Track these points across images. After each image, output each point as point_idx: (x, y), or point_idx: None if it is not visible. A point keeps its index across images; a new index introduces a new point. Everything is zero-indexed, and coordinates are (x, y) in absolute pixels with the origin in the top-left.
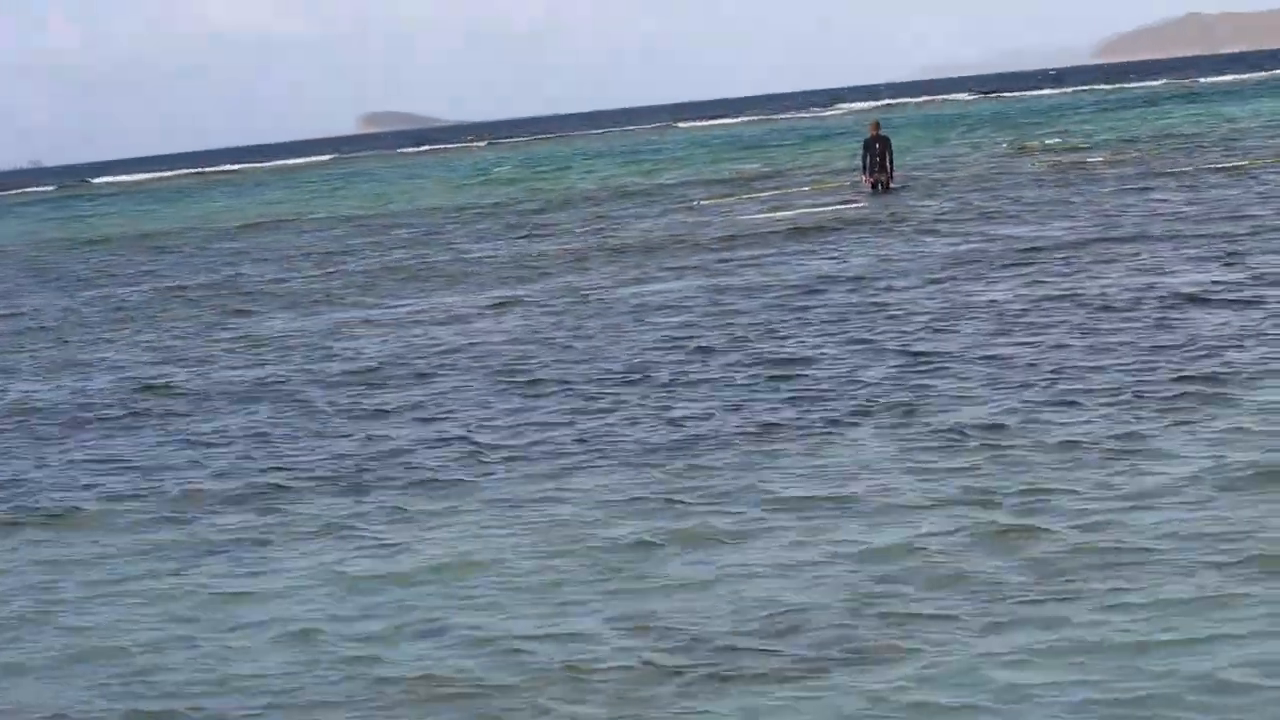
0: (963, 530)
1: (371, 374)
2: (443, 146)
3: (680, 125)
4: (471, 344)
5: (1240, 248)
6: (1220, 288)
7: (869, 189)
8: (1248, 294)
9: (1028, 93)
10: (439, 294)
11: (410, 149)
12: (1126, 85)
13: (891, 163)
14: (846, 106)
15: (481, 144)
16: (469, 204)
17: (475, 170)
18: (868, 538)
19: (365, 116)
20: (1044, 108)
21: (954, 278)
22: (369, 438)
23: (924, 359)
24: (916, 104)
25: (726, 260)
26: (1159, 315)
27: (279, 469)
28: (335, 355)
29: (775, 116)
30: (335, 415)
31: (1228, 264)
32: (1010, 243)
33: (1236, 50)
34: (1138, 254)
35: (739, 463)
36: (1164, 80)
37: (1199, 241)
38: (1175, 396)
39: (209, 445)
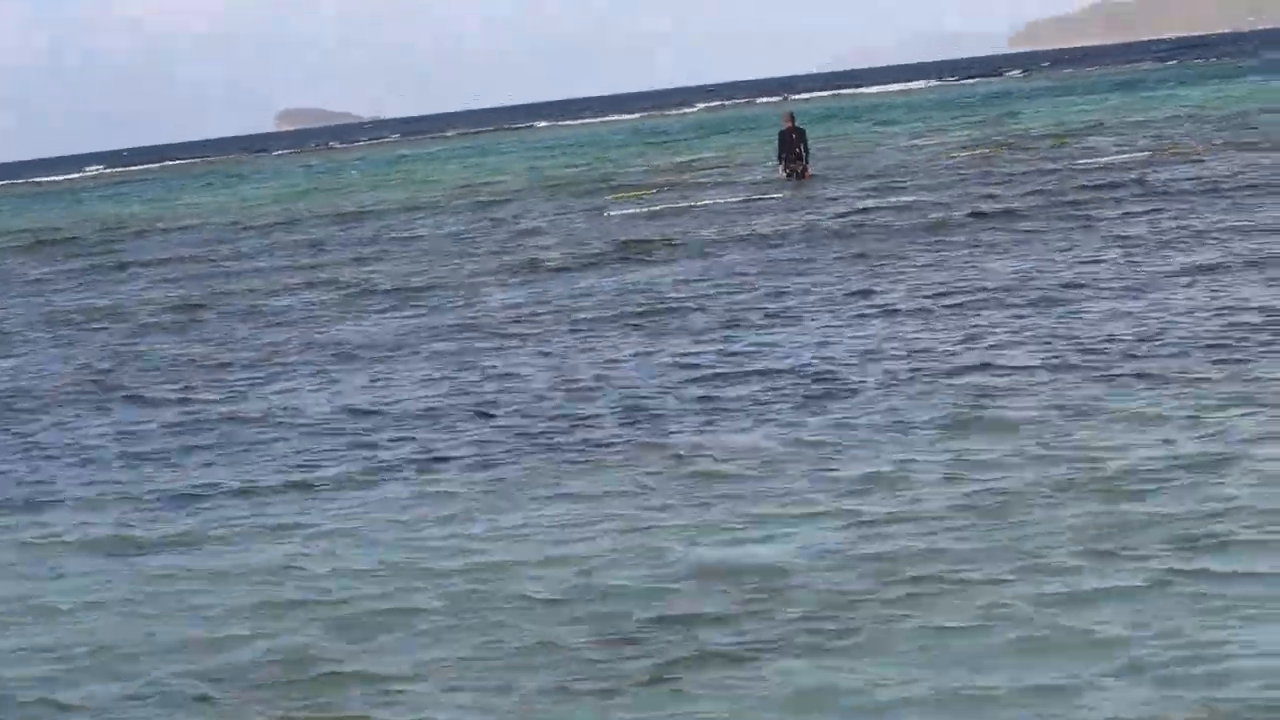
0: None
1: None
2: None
3: (587, 120)
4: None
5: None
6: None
7: (785, 179)
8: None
9: (942, 82)
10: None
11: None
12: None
13: (807, 153)
14: (762, 100)
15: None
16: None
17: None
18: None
19: (282, 114)
20: (960, 97)
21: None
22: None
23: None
24: (833, 95)
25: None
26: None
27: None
28: None
29: (680, 111)
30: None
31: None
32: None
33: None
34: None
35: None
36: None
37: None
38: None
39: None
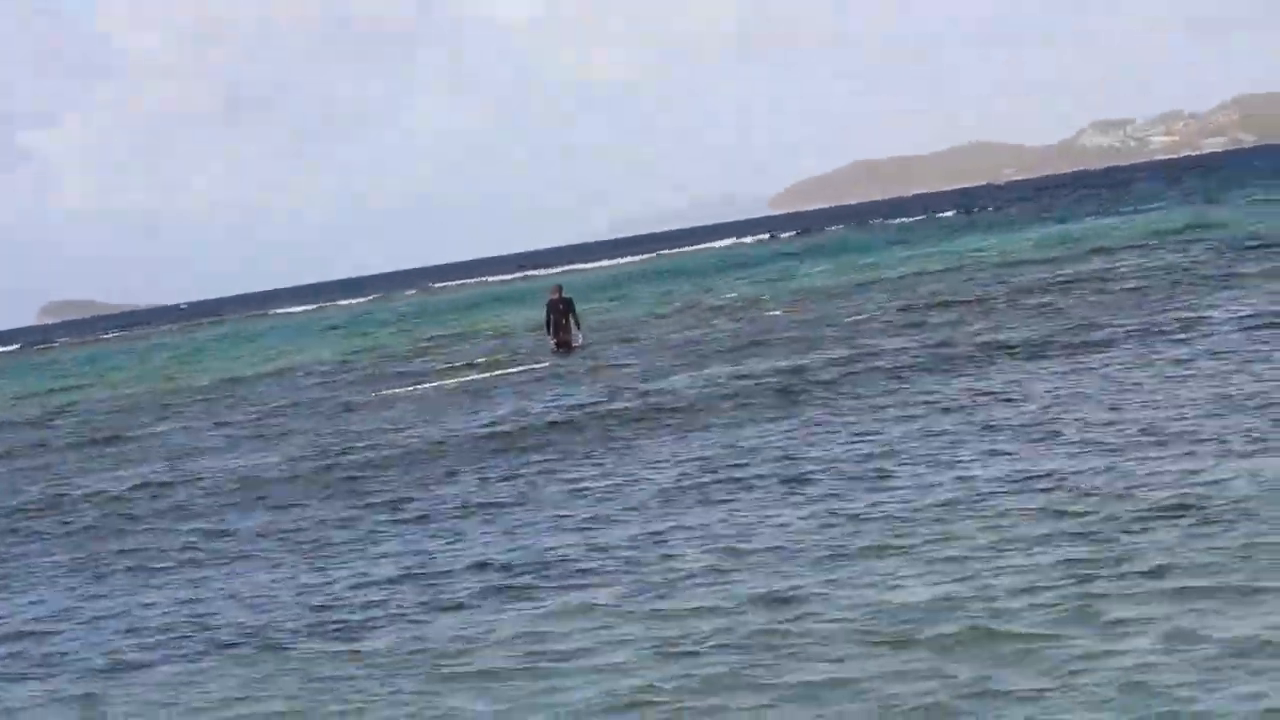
0: None
1: None
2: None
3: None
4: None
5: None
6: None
7: (554, 350)
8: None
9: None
10: None
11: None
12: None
13: (576, 322)
14: (532, 272)
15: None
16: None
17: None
18: None
19: (45, 307)
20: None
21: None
22: None
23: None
24: (605, 265)
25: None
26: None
27: None
28: None
29: (456, 283)
30: None
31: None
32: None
33: (910, 193)
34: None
35: None
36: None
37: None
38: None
39: None
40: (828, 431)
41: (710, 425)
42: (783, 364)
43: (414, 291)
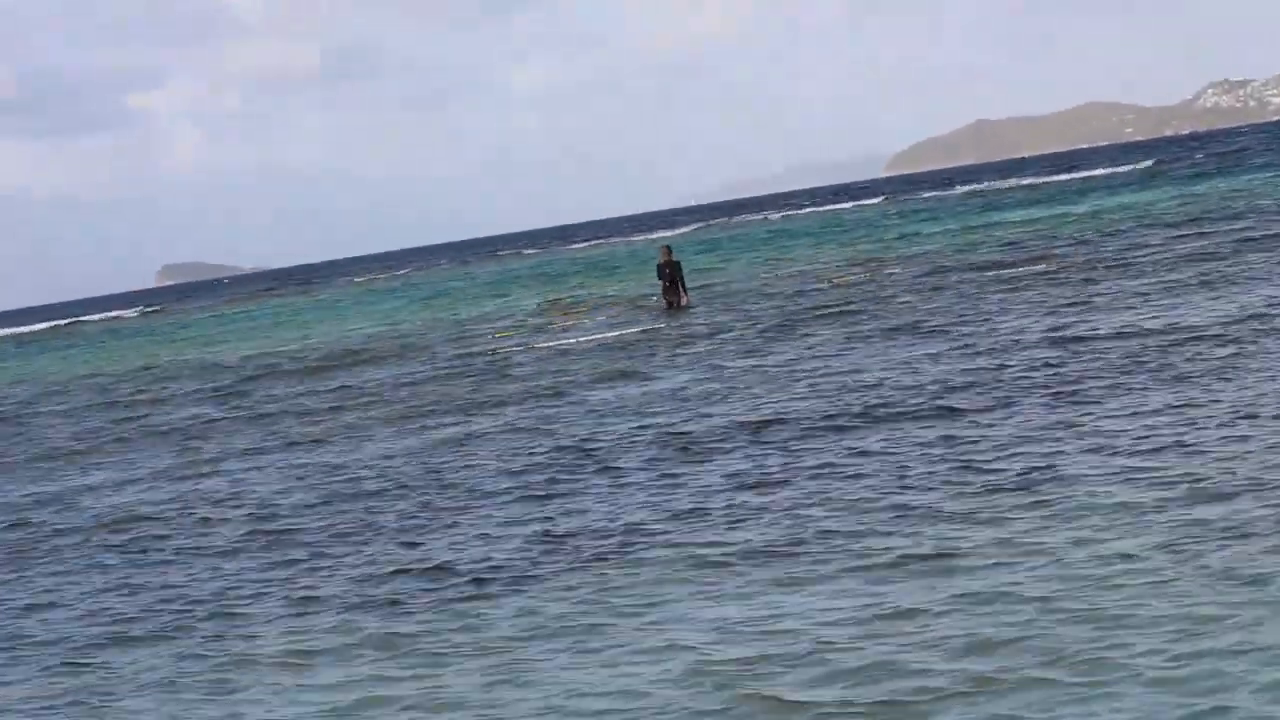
0: None
1: None
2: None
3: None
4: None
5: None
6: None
7: (666, 310)
8: None
9: (823, 208)
10: None
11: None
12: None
13: (683, 284)
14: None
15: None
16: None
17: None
18: None
19: (163, 269)
20: (834, 223)
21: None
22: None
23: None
24: (720, 224)
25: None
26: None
27: None
28: None
29: (573, 245)
30: None
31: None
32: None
33: (1026, 155)
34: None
35: None
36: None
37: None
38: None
39: None
40: None
41: None
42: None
43: (536, 251)
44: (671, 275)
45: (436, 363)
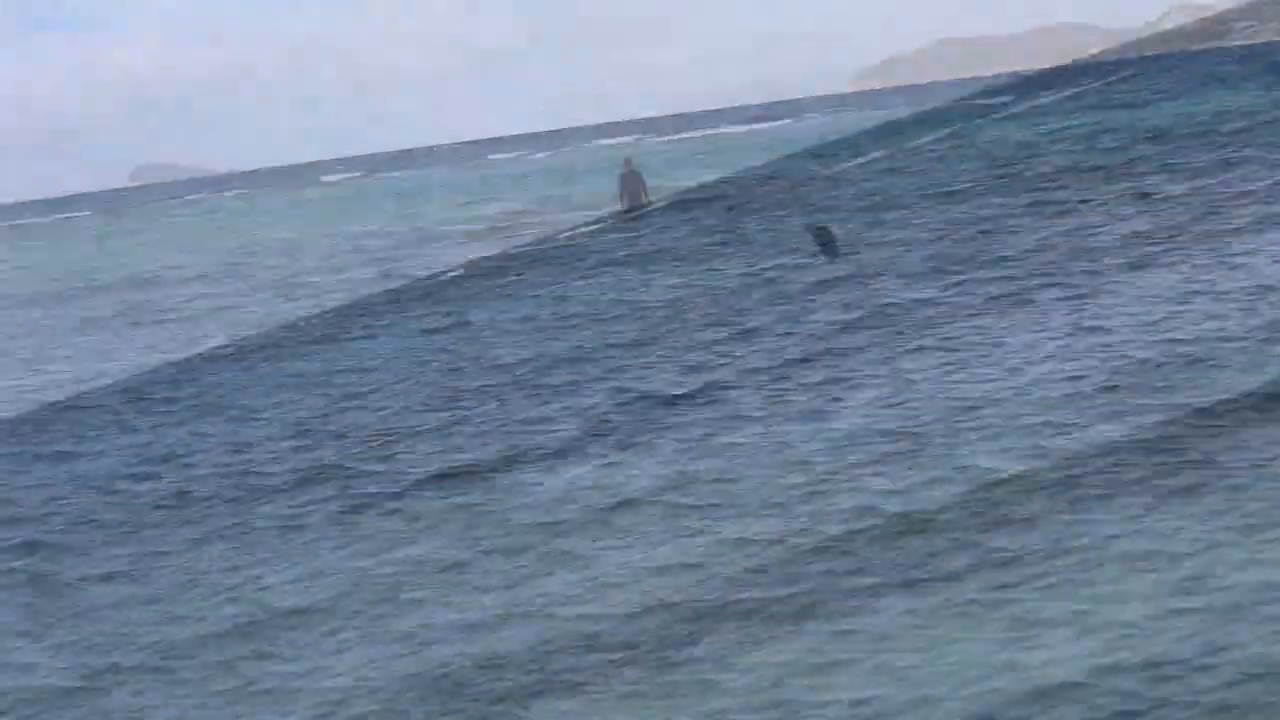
0: None
1: None
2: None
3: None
4: None
5: None
6: None
7: (623, 212)
8: None
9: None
10: None
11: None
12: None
13: (645, 191)
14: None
15: None
16: None
17: None
18: None
19: (135, 169)
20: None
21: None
22: None
23: None
24: (684, 138)
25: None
26: None
27: None
28: None
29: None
30: None
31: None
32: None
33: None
34: None
35: None
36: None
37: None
38: None
39: None
40: None
41: None
42: None
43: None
44: (633, 185)
45: None
